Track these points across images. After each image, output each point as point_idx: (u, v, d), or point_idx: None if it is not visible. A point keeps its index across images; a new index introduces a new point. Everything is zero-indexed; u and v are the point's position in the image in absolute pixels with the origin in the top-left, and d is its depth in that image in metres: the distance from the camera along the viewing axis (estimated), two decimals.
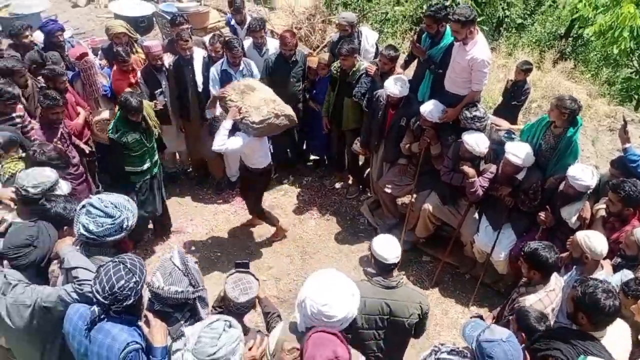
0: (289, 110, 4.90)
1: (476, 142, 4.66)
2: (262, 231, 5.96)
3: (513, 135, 5.05)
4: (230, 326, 2.38)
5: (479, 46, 4.57)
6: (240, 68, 5.68)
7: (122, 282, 2.38)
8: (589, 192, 4.30)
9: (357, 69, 5.59)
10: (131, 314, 2.49)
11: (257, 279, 3.05)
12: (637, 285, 3.21)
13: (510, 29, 12.20)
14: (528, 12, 12.71)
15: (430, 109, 4.97)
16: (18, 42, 5.66)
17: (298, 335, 2.59)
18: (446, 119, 4.98)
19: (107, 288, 2.36)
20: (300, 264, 5.61)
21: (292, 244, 5.85)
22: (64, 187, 3.67)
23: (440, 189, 5.21)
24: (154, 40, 6.41)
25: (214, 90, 5.55)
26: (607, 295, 2.68)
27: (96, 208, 2.78)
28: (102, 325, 2.46)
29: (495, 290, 5.19)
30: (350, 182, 6.66)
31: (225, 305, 2.97)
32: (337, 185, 6.74)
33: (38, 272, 3.01)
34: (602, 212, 4.16)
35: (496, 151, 4.82)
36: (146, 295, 2.63)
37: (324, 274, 2.65)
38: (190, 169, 6.85)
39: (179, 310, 2.68)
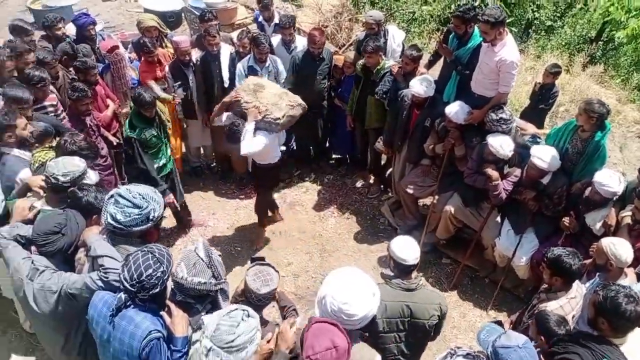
0: (298, 98, 4.86)
1: (501, 144, 4.60)
2: (282, 227, 5.99)
3: (538, 140, 4.98)
4: (248, 315, 2.42)
5: (507, 48, 4.52)
6: (267, 64, 5.73)
7: (150, 270, 2.45)
8: (614, 198, 4.22)
9: (382, 67, 5.56)
10: (155, 302, 2.56)
11: (277, 271, 3.08)
12: None
13: (539, 31, 11.96)
14: (558, 15, 12.45)
15: (455, 110, 4.93)
16: (51, 34, 5.77)
17: None
18: (471, 121, 4.93)
19: (135, 276, 2.43)
20: (319, 261, 5.62)
21: (312, 242, 5.86)
22: (93, 177, 3.74)
23: (463, 191, 5.17)
24: (183, 36, 6.49)
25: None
26: (628, 299, 2.65)
27: (124, 198, 2.84)
28: (125, 312, 2.52)
29: (515, 295, 5.13)
30: (371, 181, 6.64)
31: (246, 297, 3.00)
32: (359, 184, 6.72)
33: (65, 260, 3.05)
34: (628, 220, 4.08)
35: (521, 155, 4.76)
36: (169, 286, 2.68)
37: (345, 271, 2.64)
38: (214, 164, 6.91)
39: (201, 301, 2.71)
